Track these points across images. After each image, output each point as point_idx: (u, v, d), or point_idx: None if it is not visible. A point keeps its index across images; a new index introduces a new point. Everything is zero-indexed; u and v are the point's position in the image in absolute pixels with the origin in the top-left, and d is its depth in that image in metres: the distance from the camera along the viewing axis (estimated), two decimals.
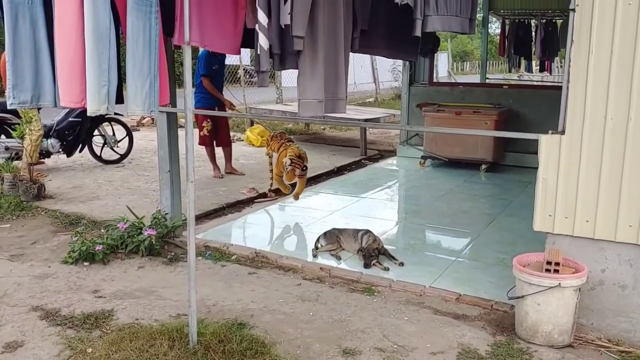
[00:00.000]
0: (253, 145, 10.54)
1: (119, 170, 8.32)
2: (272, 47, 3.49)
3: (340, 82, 3.71)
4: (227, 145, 7.96)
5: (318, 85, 3.54)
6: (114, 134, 8.80)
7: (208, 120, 7.60)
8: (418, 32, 3.58)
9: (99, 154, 8.65)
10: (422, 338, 3.56)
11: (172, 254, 4.97)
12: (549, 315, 3.44)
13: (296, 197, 6.41)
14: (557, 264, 3.45)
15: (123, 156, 8.85)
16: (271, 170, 6.70)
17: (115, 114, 7.57)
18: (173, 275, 4.58)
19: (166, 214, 5.23)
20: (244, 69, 13.88)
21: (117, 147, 8.81)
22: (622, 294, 3.54)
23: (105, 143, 8.69)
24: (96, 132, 8.57)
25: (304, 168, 6.10)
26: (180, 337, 3.39)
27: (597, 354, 3.41)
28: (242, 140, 10.99)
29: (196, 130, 7.81)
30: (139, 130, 11.70)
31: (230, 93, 13.68)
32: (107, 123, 8.66)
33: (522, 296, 3.50)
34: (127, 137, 8.91)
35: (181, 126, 4.99)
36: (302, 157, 6.09)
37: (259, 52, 3.45)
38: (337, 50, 3.65)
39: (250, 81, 16.19)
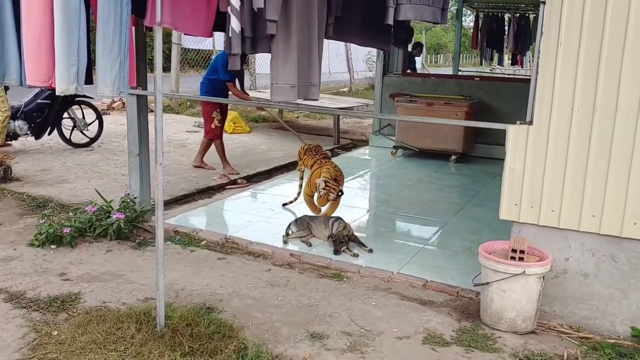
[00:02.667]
0: (225, 131, 10.44)
1: (88, 154, 8.19)
2: (244, 30, 3.47)
3: (313, 67, 3.71)
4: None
5: (291, 70, 3.53)
6: (83, 117, 8.65)
7: (217, 110, 7.14)
8: (390, 20, 3.60)
9: (68, 137, 8.49)
10: (388, 323, 3.60)
11: (141, 238, 4.93)
12: (513, 302, 3.51)
13: None
14: (522, 252, 3.52)
15: (93, 140, 8.71)
16: (300, 185, 6.03)
17: (85, 96, 7.50)
18: (141, 259, 4.54)
19: (135, 198, 5.18)
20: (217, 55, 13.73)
21: (87, 130, 8.66)
22: (584, 282, 3.63)
23: (74, 126, 8.53)
24: (66, 115, 8.41)
25: (340, 193, 5.42)
26: (147, 321, 3.38)
27: (558, 340, 3.50)
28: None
29: (174, 117, 7.61)
30: (109, 114, 11.52)
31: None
32: (77, 106, 8.51)
33: (487, 283, 3.57)
34: (97, 121, 8.77)
35: (152, 110, 4.93)
36: (337, 180, 5.41)
37: (230, 35, 3.43)
38: (311, 35, 3.64)
39: None
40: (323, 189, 5.31)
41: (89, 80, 3.41)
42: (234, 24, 3.37)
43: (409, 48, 10.93)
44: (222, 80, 7.02)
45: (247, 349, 3.18)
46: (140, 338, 3.23)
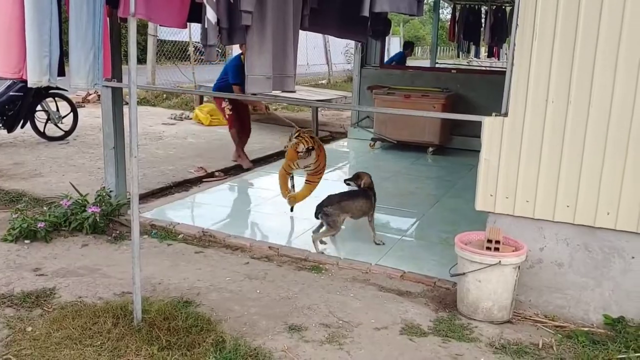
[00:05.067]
0: (202, 123, 10.42)
1: (63, 148, 8.08)
2: (220, 22, 3.43)
3: (288, 59, 3.69)
4: (246, 134, 7.65)
5: (266, 62, 3.52)
6: (58, 110, 8.52)
7: (226, 100, 7.24)
8: (366, 12, 3.59)
9: (42, 130, 8.36)
10: (367, 314, 3.62)
11: (117, 232, 4.88)
12: (489, 292, 3.55)
13: (291, 201, 5.41)
14: (498, 242, 3.56)
15: (67, 133, 8.58)
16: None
17: (59, 89, 7.39)
18: (118, 253, 4.50)
19: (111, 191, 5.12)
20: (193, 46, 13.63)
21: (62, 123, 8.53)
22: (558, 272, 3.68)
23: (48, 119, 8.40)
24: (39, 108, 8.27)
25: (310, 147, 5.04)
26: (124, 315, 3.35)
27: (534, 329, 3.55)
28: (191, 119, 10.84)
29: (150, 110, 7.57)
30: (84, 106, 11.36)
31: (180, 71, 13.48)
32: (50, 98, 8.38)
33: (464, 273, 3.60)
34: (71, 114, 8.64)
35: (127, 103, 4.83)
36: (314, 140, 5.11)
37: (206, 26, 3.39)
38: (286, 26, 3.63)
39: (200, 59, 15.94)
40: (295, 137, 5.03)
41: (61, 72, 3.35)
42: (210, 15, 3.34)
43: (401, 48, 10.94)
44: (230, 83, 7.09)
45: (225, 342, 3.17)
46: (117, 333, 3.20)
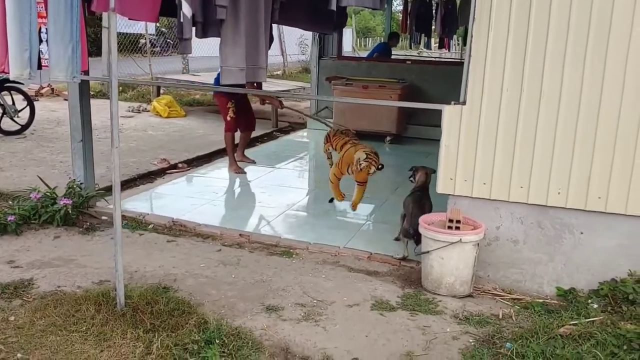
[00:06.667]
0: (160, 115, 10.42)
1: (21, 142, 7.98)
2: (195, 16, 3.56)
3: (261, 51, 3.86)
4: (251, 129, 7.29)
5: (240, 54, 3.66)
6: (13, 104, 8.38)
7: (232, 101, 6.74)
8: (334, 6, 3.78)
9: None
10: (339, 293, 3.82)
11: (88, 223, 4.93)
12: (451, 268, 3.81)
13: (354, 207, 5.51)
14: (458, 221, 3.82)
15: (24, 127, 8.45)
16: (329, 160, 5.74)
17: (15, 82, 7.28)
18: (91, 244, 4.57)
19: (81, 183, 5.16)
20: (148, 39, 13.53)
21: (18, 117, 8.39)
22: (514, 248, 3.96)
23: (4, 113, 8.25)
24: None
25: (380, 167, 5.18)
26: (106, 301, 3.44)
27: (493, 302, 3.82)
28: (149, 111, 10.82)
29: (107, 102, 7.49)
30: (38, 100, 11.17)
31: (135, 62, 13.37)
32: (6, 92, 8.23)
33: (428, 251, 3.85)
34: (28, 107, 8.51)
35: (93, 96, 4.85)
36: (377, 154, 5.20)
37: (181, 20, 3.51)
38: (258, 20, 3.78)
39: (153, 51, 15.80)
40: (364, 160, 5.09)
41: (39, 65, 3.41)
42: (186, 9, 3.46)
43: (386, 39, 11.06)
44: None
45: (208, 323, 3.30)
46: (100, 318, 3.30)
